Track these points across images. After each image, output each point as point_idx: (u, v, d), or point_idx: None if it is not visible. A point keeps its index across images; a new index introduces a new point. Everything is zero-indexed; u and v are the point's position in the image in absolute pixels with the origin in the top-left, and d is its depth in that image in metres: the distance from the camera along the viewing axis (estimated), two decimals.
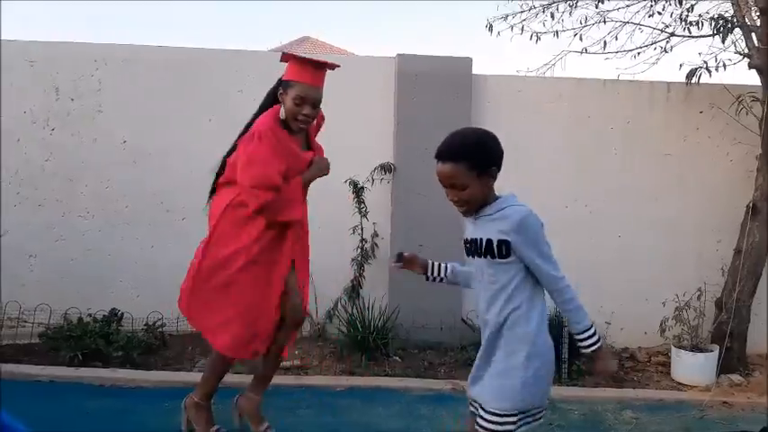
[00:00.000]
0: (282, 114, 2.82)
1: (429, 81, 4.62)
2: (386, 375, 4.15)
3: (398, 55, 4.69)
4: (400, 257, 2.45)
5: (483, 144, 2.08)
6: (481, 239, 2.07)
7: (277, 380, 3.96)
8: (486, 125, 4.69)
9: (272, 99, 2.92)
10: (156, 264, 4.71)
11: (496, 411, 2.00)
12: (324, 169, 3.01)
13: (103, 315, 4.42)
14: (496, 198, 2.10)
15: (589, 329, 2.02)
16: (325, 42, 21.13)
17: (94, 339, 4.12)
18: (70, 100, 4.63)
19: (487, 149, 2.08)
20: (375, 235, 4.71)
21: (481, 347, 2.14)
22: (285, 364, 4.23)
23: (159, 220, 4.72)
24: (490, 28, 4.90)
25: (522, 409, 2.01)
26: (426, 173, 4.61)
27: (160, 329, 4.47)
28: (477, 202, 2.08)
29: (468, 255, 2.18)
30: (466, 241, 2.17)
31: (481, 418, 2.03)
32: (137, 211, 4.71)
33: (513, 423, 1.99)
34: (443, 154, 2.07)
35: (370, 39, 47.08)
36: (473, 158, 2.04)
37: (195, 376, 4.00)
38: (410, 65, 4.65)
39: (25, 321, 4.49)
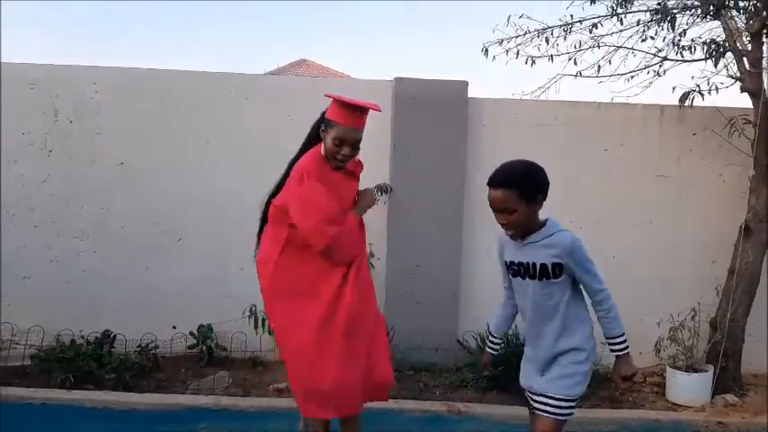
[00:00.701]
0: (323, 151, 2.80)
1: (426, 104, 4.67)
2: None
3: (395, 78, 4.74)
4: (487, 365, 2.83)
5: (532, 174, 2.34)
6: (534, 264, 2.34)
7: (270, 402, 3.97)
8: (482, 147, 4.80)
9: (315, 133, 2.89)
10: (151, 285, 4.70)
11: (566, 397, 2.33)
12: (371, 202, 2.98)
13: (96, 337, 4.40)
14: (541, 224, 2.36)
15: (622, 336, 2.35)
16: (323, 65, 21.28)
17: (87, 361, 4.10)
18: (69, 122, 4.66)
19: (536, 179, 2.33)
20: (371, 255, 4.70)
21: (539, 351, 2.41)
22: (279, 386, 4.22)
23: (155, 242, 4.71)
24: (486, 52, 4.94)
25: (580, 395, 2.36)
26: (422, 194, 4.68)
27: (153, 351, 4.45)
28: (523, 225, 2.33)
29: (514, 276, 2.45)
30: (512, 263, 2.43)
31: (551, 405, 2.34)
32: (132, 233, 4.71)
33: (574, 408, 2.36)
34: (496, 181, 2.32)
35: (368, 62, 47.54)
36: (523, 186, 2.29)
37: (188, 399, 3.99)
38: (407, 88, 4.69)
39: (17, 343, 4.47)
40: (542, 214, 2.39)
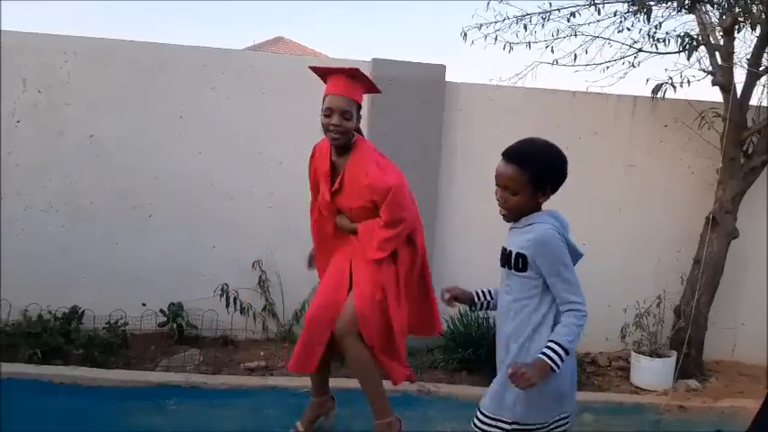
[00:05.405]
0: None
1: (403, 86, 4.65)
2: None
3: (373, 59, 4.71)
4: (443, 294, 2.34)
5: (552, 161, 2.12)
6: (509, 251, 2.12)
7: (242, 380, 3.97)
8: (457, 132, 4.82)
9: None
10: (121, 262, 4.63)
11: (491, 415, 2.06)
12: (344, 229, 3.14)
13: (64, 312, 4.33)
14: (539, 213, 2.13)
15: (561, 347, 1.93)
16: (300, 43, 21.02)
17: (54, 337, 4.04)
18: (37, 92, 4.53)
19: (553, 168, 2.11)
20: None
21: (498, 351, 2.19)
22: (251, 364, 4.22)
23: (124, 217, 4.64)
24: (464, 36, 4.94)
25: (513, 420, 2.04)
26: None
27: (122, 328, 4.40)
28: (520, 211, 2.11)
29: (500, 264, 2.21)
30: (502, 249, 2.19)
31: (476, 417, 2.11)
32: (101, 207, 4.62)
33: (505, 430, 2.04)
34: (511, 155, 2.09)
35: (347, 43, 47.13)
36: (537, 171, 2.06)
37: (158, 376, 3.97)
38: (385, 70, 4.66)
39: None
40: (548, 206, 2.17)
